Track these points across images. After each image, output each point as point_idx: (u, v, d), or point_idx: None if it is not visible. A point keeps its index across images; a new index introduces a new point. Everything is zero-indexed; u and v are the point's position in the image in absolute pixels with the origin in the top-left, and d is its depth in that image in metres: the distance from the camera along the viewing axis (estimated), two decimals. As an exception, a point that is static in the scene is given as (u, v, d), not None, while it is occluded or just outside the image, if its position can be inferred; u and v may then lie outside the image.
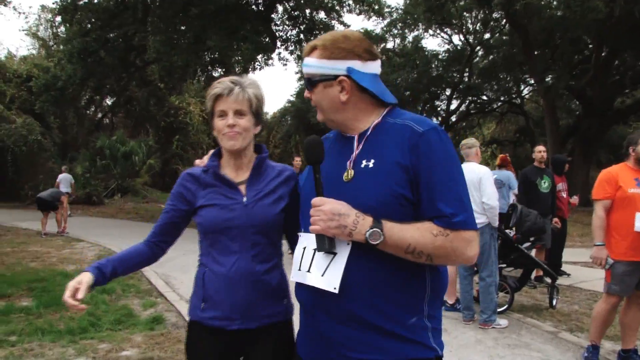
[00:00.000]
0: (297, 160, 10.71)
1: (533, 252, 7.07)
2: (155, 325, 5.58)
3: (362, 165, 1.65)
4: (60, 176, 15.12)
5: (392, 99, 1.77)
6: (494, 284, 5.67)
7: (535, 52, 22.64)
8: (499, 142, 36.81)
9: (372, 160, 1.64)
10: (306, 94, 1.81)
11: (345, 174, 1.68)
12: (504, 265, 6.41)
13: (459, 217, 1.56)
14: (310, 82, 1.76)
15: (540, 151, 7.83)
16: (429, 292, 1.65)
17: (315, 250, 1.67)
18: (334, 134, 1.87)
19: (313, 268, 1.68)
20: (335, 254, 1.64)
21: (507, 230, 6.38)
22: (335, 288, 1.60)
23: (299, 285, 1.76)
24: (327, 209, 1.58)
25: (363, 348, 1.61)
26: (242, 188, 2.13)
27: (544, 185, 7.63)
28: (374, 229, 1.54)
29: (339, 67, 1.70)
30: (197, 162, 2.26)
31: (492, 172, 9.16)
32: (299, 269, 1.73)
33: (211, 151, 2.25)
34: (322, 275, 1.64)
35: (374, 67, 1.76)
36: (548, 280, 6.63)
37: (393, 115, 1.73)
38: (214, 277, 2.07)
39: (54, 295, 6.60)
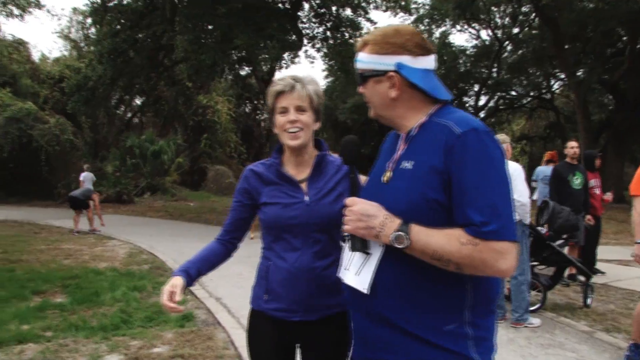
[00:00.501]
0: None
1: (566, 250, 6.93)
2: (186, 322, 5.62)
3: (402, 167, 1.62)
4: (83, 175, 15.33)
5: (445, 95, 1.69)
6: (526, 282, 5.57)
7: (566, 46, 22.22)
8: (529, 138, 36.30)
9: (411, 162, 1.60)
10: (360, 88, 1.77)
11: (384, 174, 1.68)
12: (536, 263, 6.29)
13: (490, 226, 1.44)
14: (361, 77, 1.74)
15: (572, 147, 7.67)
16: (471, 298, 1.56)
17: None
18: (394, 132, 1.82)
19: (351, 267, 1.69)
20: (369, 254, 1.63)
21: (539, 228, 6.26)
22: (365, 289, 1.60)
23: (343, 283, 1.76)
24: (356, 210, 1.58)
25: (393, 350, 1.59)
26: (304, 186, 2.18)
27: (577, 181, 7.48)
28: (399, 232, 1.50)
29: (388, 62, 1.66)
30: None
31: (541, 169, 9.26)
32: (342, 266, 1.75)
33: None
34: (357, 275, 1.65)
35: (427, 62, 1.69)
36: (582, 278, 6.49)
37: (440, 114, 1.64)
38: (277, 271, 2.14)
39: (87, 292, 6.73)
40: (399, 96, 1.67)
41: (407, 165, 1.60)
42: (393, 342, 1.59)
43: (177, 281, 2.06)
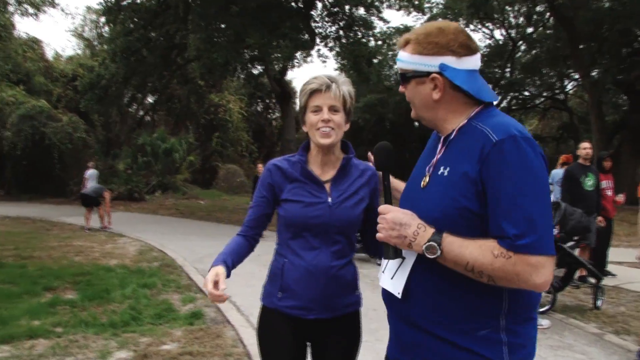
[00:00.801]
0: None
1: (577, 252, 6.89)
2: (195, 320, 5.65)
3: (439, 173, 1.59)
4: (88, 172, 15.38)
5: (490, 97, 1.64)
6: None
7: (581, 46, 22.00)
8: (542, 138, 35.99)
9: (448, 168, 1.56)
10: (401, 88, 1.74)
11: (423, 179, 1.65)
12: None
13: (525, 239, 1.40)
14: (403, 77, 1.70)
15: (585, 148, 7.61)
16: (507, 304, 1.53)
17: None
18: (435, 133, 1.77)
19: (386, 270, 1.71)
20: (404, 258, 1.64)
21: (550, 229, 6.22)
22: (398, 293, 1.62)
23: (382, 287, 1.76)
24: (389, 218, 1.57)
25: (424, 353, 1.59)
26: (327, 186, 2.19)
27: (589, 183, 7.43)
28: (431, 242, 1.49)
29: (431, 63, 1.61)
30: None
31: (556, 171, 9.22)
32: (381, 270, 1.76)
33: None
34: (392, 279, 1.67)
35: (472, 62, 1.63)
36: (592, 280, 6.46)
37: (480, 118, 1.59)
38: (293, 269, 2.16)
39: (97, 289, 6.78)
40: (442, 98, 1.63)
41: (444, 171, 1.57)
42: (424, 344, 1.59)
43: (220, 270, 2.04)
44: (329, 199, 2.15)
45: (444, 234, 1.48)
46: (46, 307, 5.97)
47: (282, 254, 2.21)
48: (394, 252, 1.61)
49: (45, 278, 7.40)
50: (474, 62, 1.64)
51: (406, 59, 1.66)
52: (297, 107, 2.27)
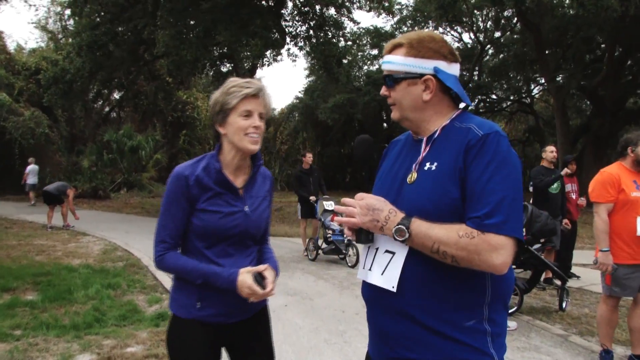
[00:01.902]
0: (309, 157, 10.65)
1: (543, 254, 7.00)
2: (161, 321, 5.55)
3: (426, 168, 1.69)
4: (28, 167, 14.92)
5: (468, 101, 1.82)
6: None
7: (547, 51, 22.49)
8: (509, 141, 36.67)
9: (435, 164, 1.68)
10: (383, 91, 1.82)
11: (410, 176, 1.74)
12: (514, 266, 6.33)
13: (492, 219, 1.51)
14: (392, 79, 1.78)
15: (552, 151, 7.75)
16: (490, 295, 1.64)
17: (377, 249, 1.75)
18: (405, 137, 1.93)
19: (374, 266, 1.75)
20: (372, 243, 1.75)
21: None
22: (393, 287, 1.66)
23: (363, 282, 1.82)
24: (363, 204, 1.67)
25: (416, 347, 1.65)
26: (241, 193, 2.23)
27: (553, 186, 7.56)
28: (400, 226, 1.59)
29: (425, 66, 1.73)
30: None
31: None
32: (363, 267, 1.80)
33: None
34: (382, 274, 1.71)
35: (456, 69, 1.79)
36: (558, 282, 6.56)
37: (461, 119, 1.75)
38: None
39: (59, 290, 6.61)
40: (431, 99, 1.75)
41: (431, 166, 1.68)
42: (416, 338, 1.64)
43: (247, 277, 2.10)
44: (246, 207, 2.21)
45: (412, 218, 1.59)
46: (4, 309, 5.78)
47: None
48: (366, 237, 1.73)
49: (3, 278, 7.15)
50: (457, 69, 1.80)
51: (399, 61, 1.75)
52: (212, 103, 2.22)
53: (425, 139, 1.77)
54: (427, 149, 1.74)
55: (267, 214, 2.34)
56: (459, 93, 1.76)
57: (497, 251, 1.51)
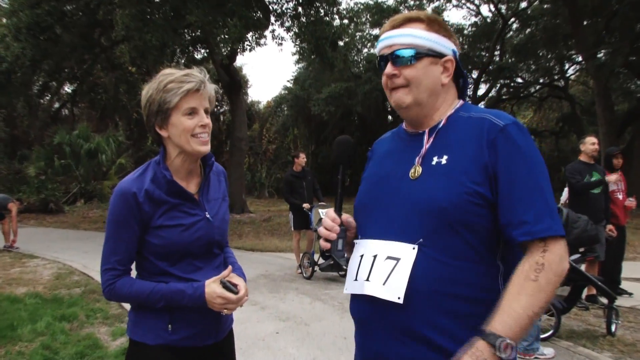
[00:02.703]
0: (302, 158, 10.64)
1: (583, 266, 6.97)
2: (126, 358, 5.50)
3: (433, 162, 1.76)
4: None
5: (467, 94, 1.97)
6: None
7: (585, 22, 22.38)
8: (538, 133, 36.77)
9: (445, 157, 1.75)
10: (390, 69, 1.84)
11: (412, 170, 1.80)
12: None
13: (543, 222, 1.62)
14: (413, 55, 1.81)
15: (592, 143, 7.69)
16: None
17: (375, 256, 1.78)
18: (392, 134, 2.05)
19: (373, 276, 1.77)
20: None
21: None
22: (399, 298, 1.68)
23: (354, 298, 1.86)
24: None
25: None
26: (197, 198, 2.30)
27: (595, 184, 7.53)
28: (500, 343, 1.55)
29: (447, 45, 1.84)
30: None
31: None
32: (356, 279, 1.83)
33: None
34: (384, 284, 1.73)
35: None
36: (604, 300, 6.54)
37: (466, 109, 1.86)
38: None
39: (0, 325, 6.53)
40: (447, 85, 1.87)
41: (440, 160, 1.76)
42: (417, 357, 1.69)
43: (215, 287, 2.19)
44: (206, 214, 2.28)
45: (487, 329, 1.58)
46: None
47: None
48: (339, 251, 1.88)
49: None
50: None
51: (422, 35, 1.82)
52: (150, 103, 2.22)
53: (427, 131, 1.85)
54: (431, 140, 1.82)
55: (228, 216, 2.44)
56: (465, 82, 1.90)
57: (564, 259, 1.63)
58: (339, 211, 1.95)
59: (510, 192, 1.65)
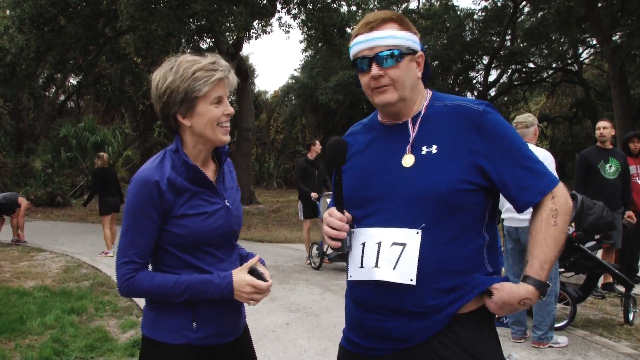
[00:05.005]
0: (318, 146, 10.69)
1: (599, 254, 6.93)
2: (137, 350, 5.51)
3: (424, 152, 1.94)
4: None
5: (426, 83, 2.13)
6: (552, 293, 5.56)
7: (600, 4, 22.13)
8: (551, 119, 36.55)
9: (435, 146, 1.94)
10: (376, 70, 1.96)
11: (404, 159, 1.97)
12: (562, 269, 6.28)
13: (546, 178, 1.93)
14: (397, 55, 1.95)
15: (605, 127, 7.59)
16: (490, 270, 1.99)
17: (379, 243, 1.93)
18: (364, 126, 2.22)
19: (381, 262, 1.92)
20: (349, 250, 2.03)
21: (565, 226, 6.21)
22: (412, 280, 1.86)
23: (359, 283, 2.00)
24: (498, 307, 1.91)
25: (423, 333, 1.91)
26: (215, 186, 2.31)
27: (610, 170, 7.46)
28: (540, 286, 1.87)
29: (417, 41, 2.01)
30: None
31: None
32: (362, 266, 1.97)
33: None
34: (394, 269, 1.89)
35: None
36: (621, 288, 6.50)
37: (438, 98, 2.06)
38: None
39: (8, 319, 6.56)
40: (420, 77, 2.05)
41: (430, 149, 1.94)
42: (425, 326, 1.90)
43: (243, 275, 2.19)
44: (226, 202, 2.29)
45: (532, 275, 1.88)
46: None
47: None
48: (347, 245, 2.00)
49: None
50: None
51: (400, 35, 1.97)
52: (171, 91, 2.18)
53: (410, 119, 2.03)
54: (416, 129, 2.00)
55: (241, 207, 2.45)
56: (428, 72, 2.10)
57: (568, 197, 1.95)
58: (341, 209, 2.03)
59: (511, 164, 1.91)
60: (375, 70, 1.95)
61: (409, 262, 1.87)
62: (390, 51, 1.94)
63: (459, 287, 1.90)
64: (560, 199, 1.92)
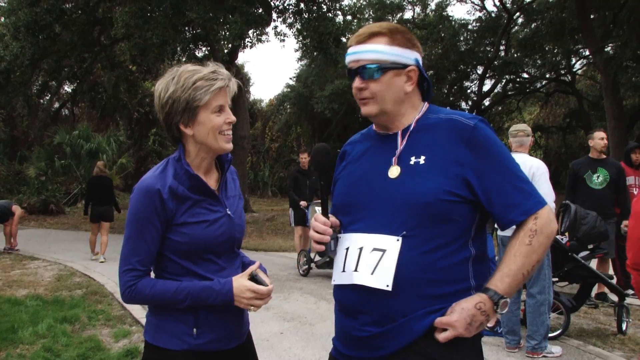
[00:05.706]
0: (304, 157, 10.78)
1: (594, 264, 6.93)
2: (130, 359, 5.51)
3: (412, 162, 1.98)
4: None
5: (432, 95, 2.16)
6: (546, 302, 5.56)
7: (592, 15, 22.23)
8: (545, 129, 36.69)
9: (423, 157, 1.97)
10: (359, 83, 2.03)
11: (390, 170, 2.01)
12: (556, 279, 6.29)
13: (533, 199, 1.94)
14: (377, 69, 2.00)
15: (601, 138, 7.68)
16: (474, 284, 1.98)
17: (361, 248, 1.98)
18: (362, 136, 2.26)
19: (361, 267, 1.96)
20: (334, 254, 2.07)
21: (558, 236, 6.23)
22: (388, 285, 1.90)
23: (341, 287, 2.05)
24: (459, 323, 1.86)
25: (402, 337, 1.92)
26: (217, 194, 2.32)
27: (597, 180, 7.51)
28: (499, 302, 1.88)
29: (409, 56, 2.03)
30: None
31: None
32: (343, 270, 2.02)
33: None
34: (372, 274, 1.93)
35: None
36: (614, 298, 6.51)
37: (433, 112, 2.09)
38: None
39: (0, 328, 6.53)
40: (411, 91, 2.06)
41: (418, 160, 1.97)
42: (399, 333, 1.92)
43: (243, 281, 2.21)
44: (228, 211, 2.31)
45: (489, 287, 1.91)
46: None
47: None
48: (332, 249, 2.06)
49: None
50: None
51: (384, 50, 2.01)
52: (171, 101, 2.21)
53: (400, 132, 2.07)
54: (404, 142, 2.04)
55: (244, 215, 2.46)
56: (429, 86, 2.12)
57: (552, 221, 1.96)
58: (326, 214, 2.10)
59: (498, 181, 1.92)
60: (357, 82, 2.03)
61: (387, 268, 1.90)
62: (373, 65, 1.99)
63: (439, 297, 1.91)
64: (542, 220, 1.93)
